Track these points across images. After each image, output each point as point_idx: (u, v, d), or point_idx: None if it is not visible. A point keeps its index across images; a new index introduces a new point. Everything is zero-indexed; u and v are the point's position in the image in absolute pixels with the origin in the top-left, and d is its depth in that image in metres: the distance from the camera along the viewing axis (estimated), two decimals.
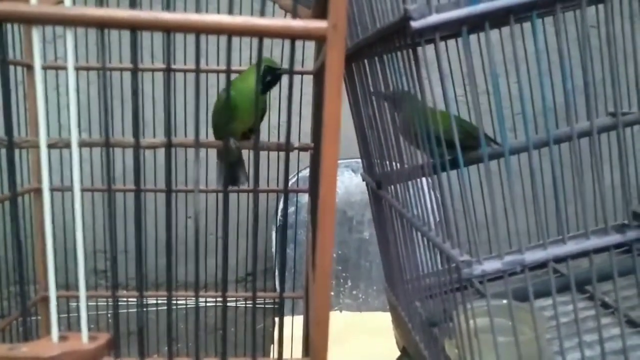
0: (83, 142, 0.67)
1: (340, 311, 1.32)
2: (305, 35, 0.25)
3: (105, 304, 1.08)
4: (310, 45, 0.78)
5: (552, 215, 0.40)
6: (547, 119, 0.37)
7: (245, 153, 0.88)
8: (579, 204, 0.38)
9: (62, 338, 0.28)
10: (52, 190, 0.77)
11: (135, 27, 0.23)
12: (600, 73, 0.56)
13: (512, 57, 0.37)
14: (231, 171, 0.84)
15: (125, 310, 0.99)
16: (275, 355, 0.30)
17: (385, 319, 0.85)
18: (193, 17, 0.24)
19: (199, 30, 0.24)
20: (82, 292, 0.27)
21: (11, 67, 0.74)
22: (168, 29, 0.24)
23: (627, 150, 0.44)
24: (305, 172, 1.20)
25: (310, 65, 0.91)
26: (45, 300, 0.91)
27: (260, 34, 0.25)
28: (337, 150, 0.26)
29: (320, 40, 0.25)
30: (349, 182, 1.35)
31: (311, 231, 0.83)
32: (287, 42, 0.27)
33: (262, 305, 1.36)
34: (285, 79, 0.79)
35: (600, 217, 0.38)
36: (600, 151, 0.57)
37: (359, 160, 0.83)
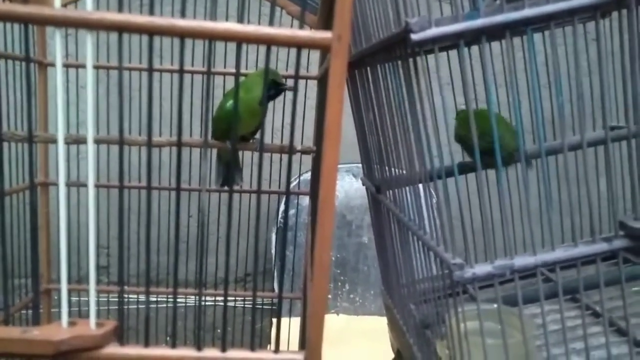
0: (96, 139, 0.69)
1: (337, 314, 1.33)
2: (311, 45, 0.26)
3: (105, 299, 1.09)
4: (316, 51, 0.80)
5: (545, 226, 0.41)
6: (540, 132, 0.38)
7: (241, 155, 0.90)
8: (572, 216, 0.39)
9: (71, 323, 0.30)
10: (56, 185, 0.78)
11: (152, 33, 0.25)
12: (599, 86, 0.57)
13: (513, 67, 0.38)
14: (227, 172, 0.86)
15: (125, 307, 1.00)
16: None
17: (381, 322, 0.86)
18: (207, 24, 0.25)
19: (212, 37, 0.26)
20: (92, 281, 0.29)
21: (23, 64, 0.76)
22: (183, 35, 0.25)
23: (622, 161, 0.45)
24: (307, 175, 1.22)
25: (314, 69, 0.92)
26: (48, 293, 0.92)
27: (268, 42, 0.26)
28: (337, 148, 0.28)
29: (325, 49, 0.26)
30: (349, 187, 1.37)
31: (311, 232, 0.85)
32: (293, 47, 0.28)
33: (260, 306, 1.37)
34: (290, 82, 0.81)
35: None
36: (596, 162, 0.58)
37: (360, 165, 0.84)
